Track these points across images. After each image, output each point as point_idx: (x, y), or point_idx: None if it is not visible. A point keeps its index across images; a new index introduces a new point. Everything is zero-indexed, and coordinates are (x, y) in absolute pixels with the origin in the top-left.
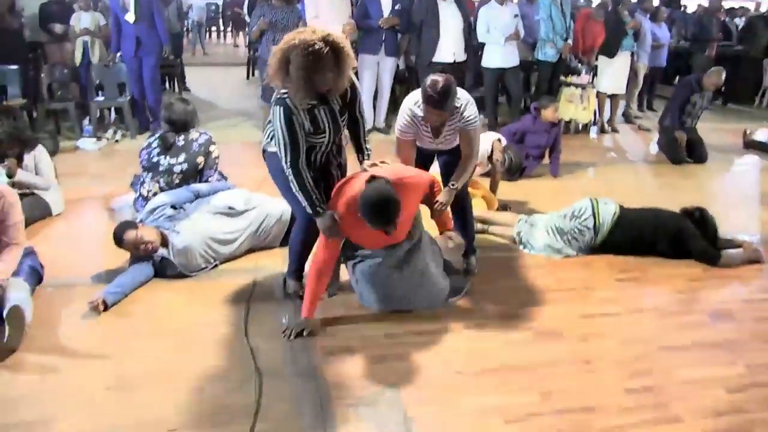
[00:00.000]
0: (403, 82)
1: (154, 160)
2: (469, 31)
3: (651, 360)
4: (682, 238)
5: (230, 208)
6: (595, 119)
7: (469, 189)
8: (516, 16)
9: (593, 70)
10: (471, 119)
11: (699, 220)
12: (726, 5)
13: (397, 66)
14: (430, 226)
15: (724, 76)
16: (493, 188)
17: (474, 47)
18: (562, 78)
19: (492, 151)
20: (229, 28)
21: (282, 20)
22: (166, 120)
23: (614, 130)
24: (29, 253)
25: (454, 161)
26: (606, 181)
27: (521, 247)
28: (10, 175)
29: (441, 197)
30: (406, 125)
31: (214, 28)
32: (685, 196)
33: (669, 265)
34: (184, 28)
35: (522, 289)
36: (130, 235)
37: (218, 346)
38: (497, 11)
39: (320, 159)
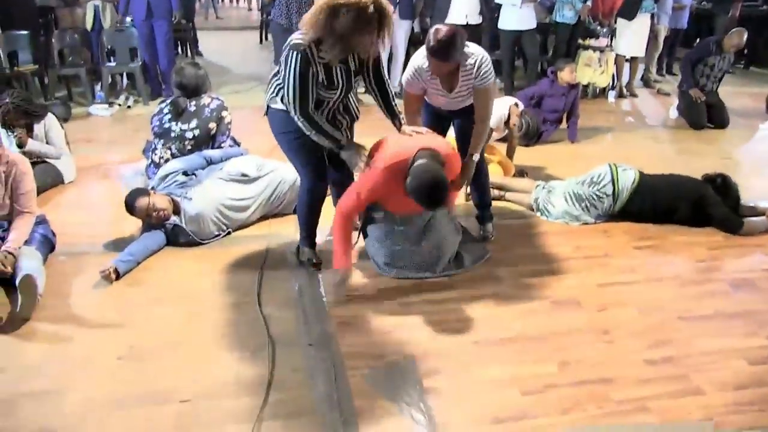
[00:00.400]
0: (418, 45)
1: (166, 126)
2: None
3: (670, 330)
4: (703, 205)
5: (243, 174)
6: (613, 83)
7: (486, 154)
8: None
9: (612, 33)
10: (486, 75)
11: (721, 186)
12: None
13: (412, 29)
14: None
15: (745, 37)
16: (510, 154)
17: (491, 8)
18: (580, 41)
19: (509, 116)
20: None
21: None
22: (176, 85)
23: (633, 95)
24: (41, 221)
25: (469, 126)
26: (625, 146)
27: (538, 213)
28: (20, 146)
29: (463, 171)
30: (411, 77)
31: None
32: (706, 162)
33: (689, 232)
34: None
35: (539, 257)
36: (141, 202)
37: (231, 314)
38: None
39: (327, 115)
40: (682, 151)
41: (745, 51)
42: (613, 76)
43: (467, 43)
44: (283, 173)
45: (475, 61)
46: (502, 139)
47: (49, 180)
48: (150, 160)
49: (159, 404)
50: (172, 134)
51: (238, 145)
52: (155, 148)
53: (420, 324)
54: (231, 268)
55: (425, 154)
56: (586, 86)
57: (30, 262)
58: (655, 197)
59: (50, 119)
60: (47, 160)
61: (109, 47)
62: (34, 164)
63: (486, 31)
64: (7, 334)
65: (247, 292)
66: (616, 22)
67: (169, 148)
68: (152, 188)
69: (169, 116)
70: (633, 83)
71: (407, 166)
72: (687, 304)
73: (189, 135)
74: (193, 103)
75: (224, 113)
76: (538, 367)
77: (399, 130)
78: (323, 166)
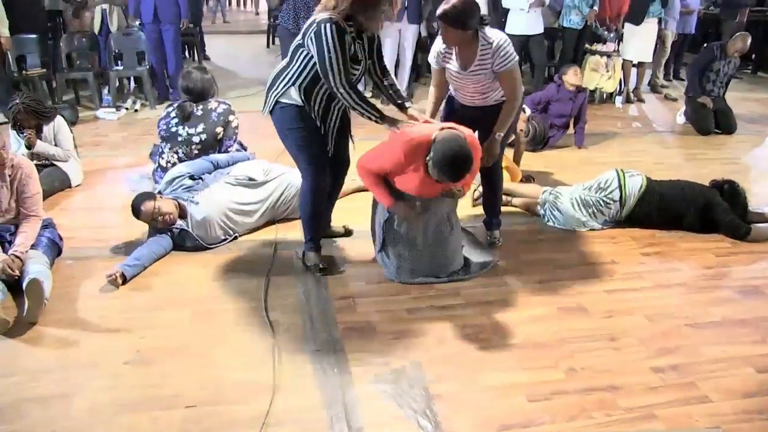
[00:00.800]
0: (426, 51)
1: (173, 130)
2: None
3: (678, 337)
4: (710, 211)
5: (250, 178)
6: (620, 88)
7: None
8: None
9: (619, 38)
10: (507, 57)
11: (728, 192)
12: None
13: (419, 34)
14: None
15: (749, 42)
16: (517, 159)
17: (499, 13)
18: (587, 46)
19: (516, 121)
20: None
21: None
22: (183, 89)
23: (640, 100)
24: (48, 225)
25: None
26: (632, 152)
27: (545, 219)
28: (29, 147)
29: (488, 151)
30: (434, 55)
31: None
32: (713, 168)
33: (696, 239)
34: None
35: (546, 263)
36: (147, 206)
37: (237, 320)
38: None
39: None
40: (690, 156)
41: (753, 56)
42: (620, 81)
43: (489, 29)
44: (290, 178)
45: (494, 42)
46: (509, 145)
47: (57, 184)
48: (157, 164)
49: (165, 409)
50: (179, 138)
51: (245, 149)
52: (162, 152)
53: (426, 330)
54: (237, 273)
55: (448, 131)
56: (593, 91)
57: (37, 266)
58: (663, 203)
59: (59, 121)
60: (55, 163)
61: (116, 51)
62: (41, 168)
63: None
64: (14, 338)
65: (254, 297)
66: (623, 27)
67: (176, 152)
68: (159, 192)
69: (176, 120)
70: (640, 88)
71: (429, 145)
72: (694, 311)
73: (196, 139)
74: (200, 107)
75: (231, 117)
76: (544, 374)
77: (405, 110)
78: (326, 163)
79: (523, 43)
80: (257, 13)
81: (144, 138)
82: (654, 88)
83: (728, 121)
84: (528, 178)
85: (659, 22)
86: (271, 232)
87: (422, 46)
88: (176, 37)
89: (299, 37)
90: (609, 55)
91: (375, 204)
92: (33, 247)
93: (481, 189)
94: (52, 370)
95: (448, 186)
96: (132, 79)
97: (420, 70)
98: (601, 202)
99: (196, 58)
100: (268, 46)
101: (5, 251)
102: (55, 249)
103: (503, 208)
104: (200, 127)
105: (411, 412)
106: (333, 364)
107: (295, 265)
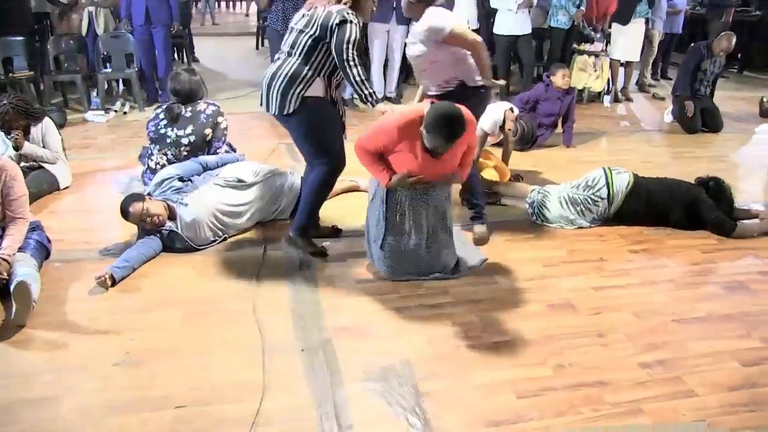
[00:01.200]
0: None
1: (162, 131)
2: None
3: (665, 333)
4: (696, 208)
5: (239, 180)
6: (608, 88)
7: (481, 159)
8: None
9: (606, 38)
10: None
11: (714, 190)
12: None
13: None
14: None
15: (734, 41)
16: (506, 158)
17: (487, 13)
18: (575, 46)
19: (504, 121)
20: None
21: None
22: (171, 90)
23: (628, 99)
24: (36, 227)
25: None
26: (619, 150)
27: (534, 218)
28: (17, 148)
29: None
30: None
31: None
32: (700, 165)
33: (683, 236)
34: None
35: (534, 261)
36: (136, 207)
37: (227, 321)
38: None
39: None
40: (677, 155)
41: (739, 55)
42: (608, 80)
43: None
44: (279, 179)
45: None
46: (498, 144)
47: (45, 186)
48: (146, 165)
49: (154, 410)
50: (168, 140)
51: (234, 150)
52: (151, 154)
53: (415, 328)
54: (227, 274)
55: (439, 102)
56: (581, 91)
57: (24, 269)
58: (649, 199)
59: (47, 123)
60: (43, 165)
61: (104, 53)
62: (29, 170)
63: (482, 36)
64: (2, 341)
65: (243, 298)
66: (610, 27)
67: (165, 154)
68: (148, 194)
69: (164, 122)
70: (628, 88)
71: (421, 119)
72: (681, 307)
73: (185, 141)
74: (189, 108)
75: (220, 119)
76: (533, 371)
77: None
78: None
79: (511, 43)
80: (246, 15)
81: (133, 140)
82: (642, 87)
83: (715, 120)
84: (516, 177)
85: (646, 22)
86: (260, 232)
87: None
88: (167, 40)
89: (309, 29)
90: (597, 55)
91: (371, 201)
92: (21, 249)
93: None
94: (41, 372)
95: (446, 170)
96: (121, 81)
97: (409, 71)
98: (589, 200)
99: (185, 60)
100: (257, 47)
101: None
102: (43, 251)
103: (493, 208)
104: (189, 129)
105: (400, 409)
106: (322, 363)
107: (285, 265)
